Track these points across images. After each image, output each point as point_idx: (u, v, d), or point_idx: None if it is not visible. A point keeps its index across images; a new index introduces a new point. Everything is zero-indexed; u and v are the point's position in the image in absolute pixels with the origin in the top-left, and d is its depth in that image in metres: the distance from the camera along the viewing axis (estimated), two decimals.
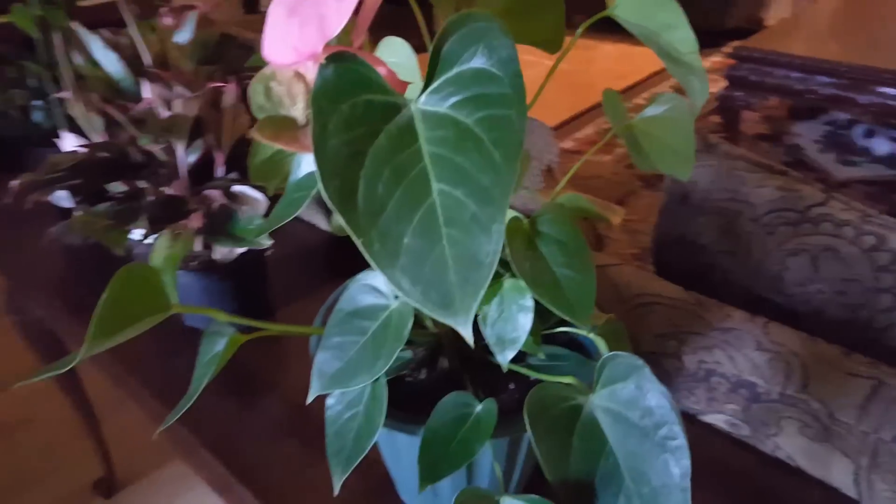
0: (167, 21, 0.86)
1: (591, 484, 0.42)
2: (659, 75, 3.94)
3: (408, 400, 0.55)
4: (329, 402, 0.51)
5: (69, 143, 0.80)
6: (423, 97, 0.36)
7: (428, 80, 0.36)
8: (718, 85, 2.71)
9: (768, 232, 0.83)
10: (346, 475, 0.47)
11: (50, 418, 1.71)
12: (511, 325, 0.48)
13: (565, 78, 3.89)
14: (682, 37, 0.43)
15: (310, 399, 0.49)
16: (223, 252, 0.84)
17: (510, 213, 0.50)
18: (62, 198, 1.02)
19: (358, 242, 0.34)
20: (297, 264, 1.04)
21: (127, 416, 1.66)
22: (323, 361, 0.49)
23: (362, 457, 0.46)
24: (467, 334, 0.32)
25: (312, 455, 0.71)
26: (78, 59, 0.81)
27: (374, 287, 0.50)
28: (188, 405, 0.47)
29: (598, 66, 4.13)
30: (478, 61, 0.35)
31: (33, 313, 1.16)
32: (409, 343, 0.58)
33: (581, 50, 4.34)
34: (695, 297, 0.78)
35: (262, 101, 0.42)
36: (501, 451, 0.55)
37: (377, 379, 0.48)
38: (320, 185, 0.34)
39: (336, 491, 0.47)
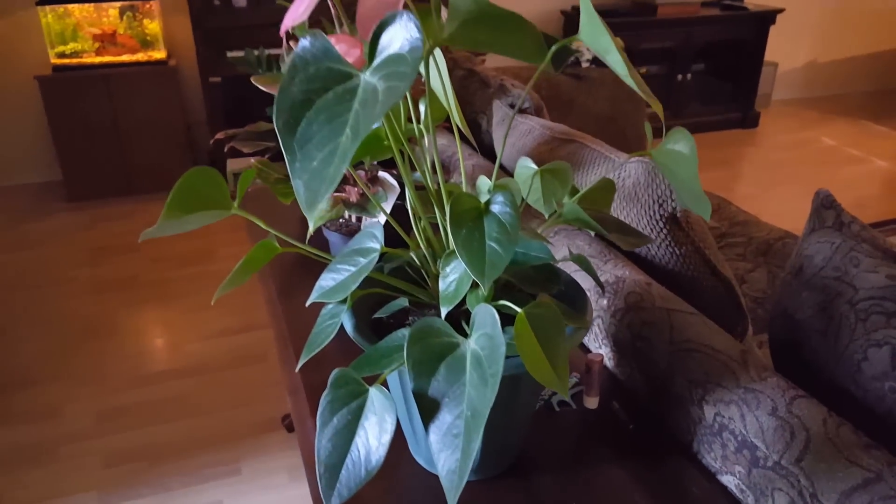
0: None
1: (439, 402, 0.51)
2: None
3: None
4: (322, 311, 0.66)
5: None
6: (368, 72, 0.50)
7: (370, 60, 0.50)
8: None
9: (860, 318, 0.77)
10: (306, 360, 0.61)
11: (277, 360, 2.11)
12: (454, 285, 0.59)
13: (892, 179, 3.49)
14: (615, 60, 0.50)
15: (307, 304, 0.65)
16: (370, 222, 1.05)
17: (481, 194, 0.60)
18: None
19: (287, 158, 0.49)
20: None
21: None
22: (323, 279, 0.65)
23: (319, 350, 0.61)
24: (311, 221, 0.45)
25: None
26: None
27: (374, 234, 0.65)
28: (224, 291, 0.66)
29: None
30: (397, 47, 0.48)
31: None
32: (414, 303, 0.71)
33: None
34: (743, 356, 0.77)
35: None
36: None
37: (348, 302, 0.62)
38: (274, 117, 0.50)
39: (296, 369, 0.61)
